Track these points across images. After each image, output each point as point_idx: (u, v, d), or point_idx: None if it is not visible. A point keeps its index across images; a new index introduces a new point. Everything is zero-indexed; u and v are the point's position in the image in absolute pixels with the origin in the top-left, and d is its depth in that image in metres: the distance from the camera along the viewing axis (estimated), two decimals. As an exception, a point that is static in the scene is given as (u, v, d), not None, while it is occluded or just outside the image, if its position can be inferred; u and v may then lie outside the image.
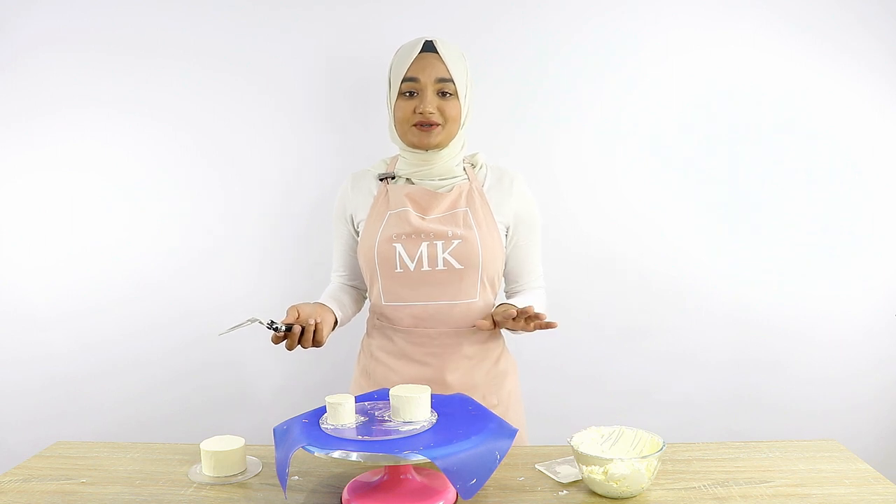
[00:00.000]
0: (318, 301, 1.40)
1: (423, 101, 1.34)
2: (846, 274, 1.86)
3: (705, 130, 1.82)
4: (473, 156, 1.47)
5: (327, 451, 0.99)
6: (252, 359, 1.93)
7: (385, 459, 0.98)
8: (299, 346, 1.26)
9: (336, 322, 1.39)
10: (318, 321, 1.27)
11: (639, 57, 1.79)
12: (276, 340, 1.25)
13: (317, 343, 1.28)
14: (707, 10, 1.78)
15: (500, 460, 1.03)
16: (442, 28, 1.76)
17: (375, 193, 1.43)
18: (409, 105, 1.35)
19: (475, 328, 1.37)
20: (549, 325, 1.26)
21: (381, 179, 1.44)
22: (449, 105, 1.36)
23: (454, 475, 0.97)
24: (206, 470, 1.20)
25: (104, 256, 1.89)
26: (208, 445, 1.20)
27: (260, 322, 1.22)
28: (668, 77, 1.80)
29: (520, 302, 1.38)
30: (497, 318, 1.32)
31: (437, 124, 1.35)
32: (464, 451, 0.99)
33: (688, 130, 1.82)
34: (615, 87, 1.81)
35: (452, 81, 1.35)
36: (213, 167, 1.86)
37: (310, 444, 1.01)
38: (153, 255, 1.89)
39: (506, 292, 1.51)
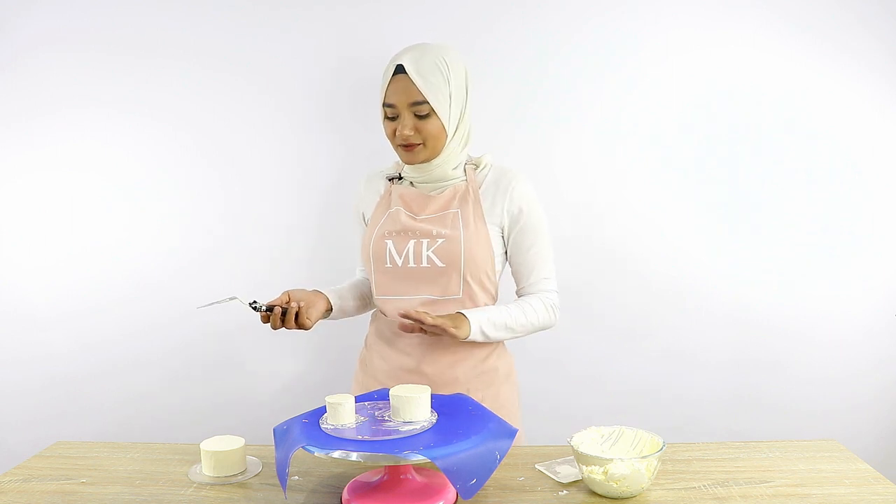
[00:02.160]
0: (317, 289, 1.46)
1: (401, 124, 1.37)
2: (846, 274, 1.86)
3: (705, 130, 1.82)
4: (479, 157, 1.47)
5: (327, 451, 0.99)
6: (252, 359, 1.93)
7: (385, 459, 0.98)
8: (284, 328, 1.34)
9: (330, 309, 1.45)
10: (302, 305, 1.34)
11: (638, 57, 1.79)
12: (264, 320, 1.34)
13: (301, 325, 1.35)
14: (707, 11, 1.77)
15: (499, 460, 1.03)
16: (442, 28, 1.76)
17: (382, 193, 1.49)
18: (391, 127, 1.40)
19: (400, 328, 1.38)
20: (422, 331, 1.31)
21: (390, 180, 1.49)
22: (427, 124, 1.36)
23: (454, 475, 0.97)
24: (206, 470, 1.20)
25: (104, 256, 1.89)
26: (208, 445, 1.20)
27: (240, 301, 1.28)
28: (667, 77, 1.80)
29: (477, 311, 1.37)
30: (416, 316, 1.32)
31: (417, 144, 1.38)
32: (464, 451, 0.99)
33: (688, 130, 1.82)
34: (615, 87, 1.81)
35: (426, 102, 1.35)
36: (213, 167, 1.86)
37: (310, 444, 1.01)
38: (153, 255, 1.89)
39: (516, 293, 1.50)
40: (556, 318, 1.46)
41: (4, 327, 1.92)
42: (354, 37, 1.80)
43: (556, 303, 1.46)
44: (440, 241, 1.38)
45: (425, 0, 1.78)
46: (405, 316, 1.29)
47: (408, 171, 1.46)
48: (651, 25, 1.78)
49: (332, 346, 1.89)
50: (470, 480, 0.98)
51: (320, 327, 1.86)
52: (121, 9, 1.80)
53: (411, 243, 1.39)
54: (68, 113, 1.83)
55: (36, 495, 1.14)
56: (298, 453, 1.18)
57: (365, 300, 1.57)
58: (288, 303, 1.33)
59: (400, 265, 1.41)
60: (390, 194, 1.47)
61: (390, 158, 1.54)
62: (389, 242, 1.41)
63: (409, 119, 1.36)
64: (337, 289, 1.51)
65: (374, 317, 1.54)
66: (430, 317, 1.28)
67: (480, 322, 1.35)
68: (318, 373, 1.92)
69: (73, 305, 1.91)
